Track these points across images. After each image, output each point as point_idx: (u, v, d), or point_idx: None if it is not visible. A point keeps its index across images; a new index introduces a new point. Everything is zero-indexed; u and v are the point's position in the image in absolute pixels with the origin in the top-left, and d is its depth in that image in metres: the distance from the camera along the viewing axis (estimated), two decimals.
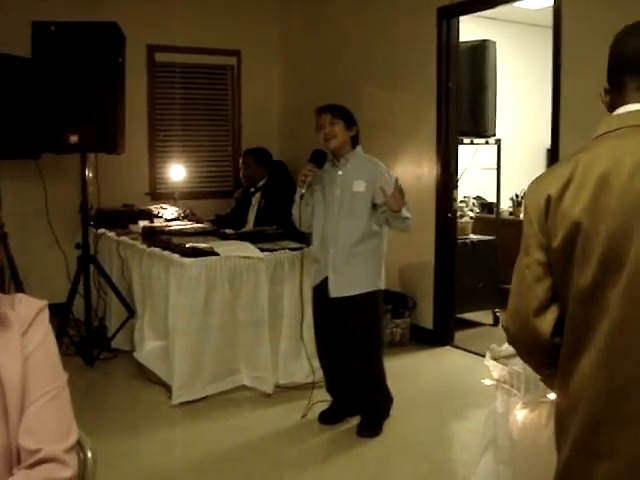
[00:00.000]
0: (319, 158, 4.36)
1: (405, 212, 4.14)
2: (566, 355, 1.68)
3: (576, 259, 1.61)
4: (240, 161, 6.79)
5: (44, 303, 1.67)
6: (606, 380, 1.57)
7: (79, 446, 1.67)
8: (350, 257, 4.27)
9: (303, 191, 4.30)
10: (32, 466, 1.50)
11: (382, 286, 4.40)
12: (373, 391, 4.44)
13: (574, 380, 1.65)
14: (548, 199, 1.67)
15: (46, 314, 1.66)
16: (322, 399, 4.62)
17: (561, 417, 1.71)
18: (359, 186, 4.22)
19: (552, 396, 2.36)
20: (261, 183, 6.56)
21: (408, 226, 4.23)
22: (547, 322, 1.73)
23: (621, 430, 1.55)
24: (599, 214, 1.57)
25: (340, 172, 4.33)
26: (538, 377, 2.42)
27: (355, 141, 4.37)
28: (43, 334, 1.63)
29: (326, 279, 4.36)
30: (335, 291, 4.33)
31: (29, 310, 1.63)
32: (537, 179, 1.79)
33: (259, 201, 6.48)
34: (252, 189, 6.59)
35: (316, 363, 4.71)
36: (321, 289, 4.41)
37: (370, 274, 4.31)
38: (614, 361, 1.56)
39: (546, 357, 1.79)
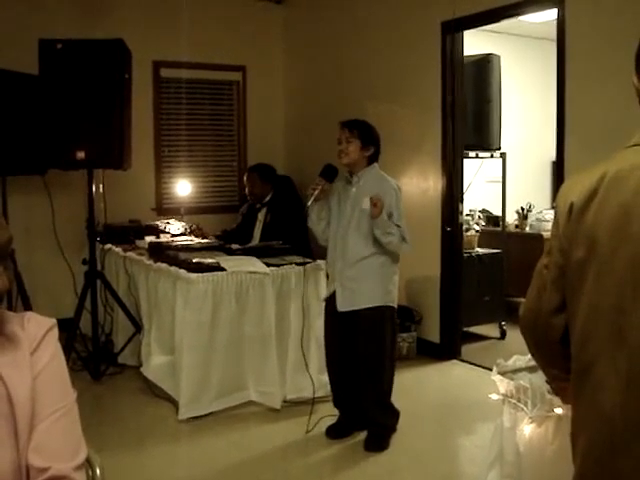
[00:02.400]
0: (329, 173, 4.37)
1: (389, 227, 4.16)
2: (575, 373, 1.68)
3: (589, 279, 1.61)
4: (245, 178, 6.76)
5: (53, 322, 1.69)
6: (613, 407, 1.57)
7: (88, 463, 1.68)
8: (356, 272, 4.30)
9: (309, 204, 4.34)
10: None
11: (392, 303, 4.40)
12: (377, 408, 4.44)
13: (580, 401, 1.65)
14: (571, 206, 1.66)
15: (55, 333, 1.67)
16: (329, 414, 4.62)
17: (572, 434, 1.71)
18: (367, 204, 4.22)
19: (559, 411, 2.37)
20: (267, 199, 6.55)
21: (390, 242, 4.22)
22: (559, 324, 1.74)
23: (626, 458, 1.55)
24: (619, 239, 1.55)
25: (354, 189, 4.36)
26: (544, 390, 2.44)
27: (372, 159, 4.38)
28: (52, 352, 1.64)
29: (335, 293, 4.39)
30: (342, 305, 4.35)
31: (38, 329, 1.64)
32: (567, 181, 1.78)
33: (265, 216, 6.48)
34: (258, 205, 6.59)
35: (324, 378, 4.72)
36: (331, 302, 4.44)
37: (377, 289, 4.31)
38: (629, 391, 1.55)
39: (553, 357, 1.79)
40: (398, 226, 4.22)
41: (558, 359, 1.77)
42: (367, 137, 4.34)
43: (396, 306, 4.47)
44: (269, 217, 6.45)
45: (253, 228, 6.52)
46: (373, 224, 4.18)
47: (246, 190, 6.73)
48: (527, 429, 2.48)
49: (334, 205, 4.44)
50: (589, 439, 1.63)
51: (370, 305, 4.30)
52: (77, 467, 1.56)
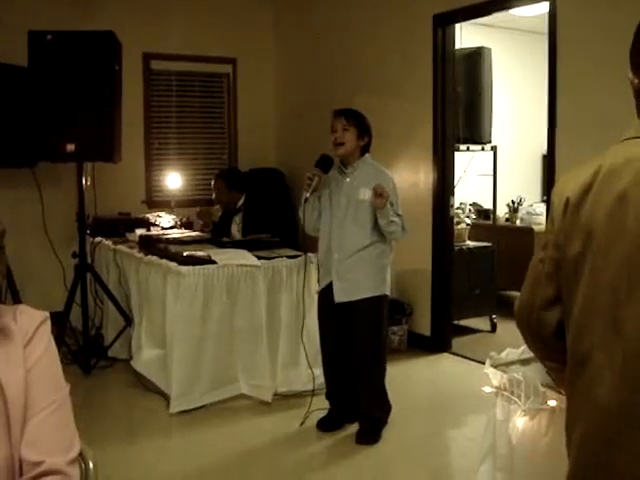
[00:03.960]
0: (325, 163, 4.35)
1: (392, 216, 4.18)
2: (571, 366, 1.68)
3: (585, 273, 1.61)
4: (212, 184, 6.58)
5: (46, 315, 1.67)
6: (608, 400, 1.56)
7: (81, 457, 1.66)
8: (354, 263, 4.29)
9: (307, 195, 4.31)
10: (35, 478, 1.50)
11: (387, 292, 4.42)
12: (372, 398, 4.44)
13: (576, 393, 1.65)
14: (567, 202, 1.66)
15: (48, 326, 1.66)
16: (321, 407, 4.62)
17: (567, 426, 1.71)
18: (364, 194, 4.23)
19: (552, 403, 2.37)
20: (240, 203, 6.42)
21: (395, 231, 4.25)
22: (552, 318, 1.74)
23: (621, 450, 1.54)
24: (615, 232, 1.55)
25: (348, 179, 4.35)
26: (537, 382, 2.44)
27: (365, 149, 4.39)
28: (45, 346, 1.62)
29: (330, 284, 4.37)
30: (339, 296, 4.34)
31: (31, 322, 1.63)
32: (564, 176, 1.77)
33: (243, 221, 6.34)
34: (231, 211, 6.45)
35: (316, 371, 4.72)
36: (326, 294, 4.43)
37: (374, 279, 4.32)
38: (623, 384, 1.55)
39: (549, 350, 1.80)
40: (399, 215, 4.24)
41: (554, 352, 1.77)
42: (362, 126, 4.35)
43: (389, 294, 4.48)
44: (246, 222, 6.29)
45: (229, 229, 6.39)
46: (378, 214, 4.18)
47: (213, 196, 6.59)
48: (520, 422, 2.47)
49: (325, 196, 4.42)
50: (584, 431, 1.63)
51: (368, 295, 4.31)
52: (71, 461, 1.55)
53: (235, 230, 6.37)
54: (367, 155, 4.40)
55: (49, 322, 1.67)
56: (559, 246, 1.70)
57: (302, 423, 4.56)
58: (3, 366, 1.54)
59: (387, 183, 4.27)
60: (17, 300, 5.65)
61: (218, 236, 6.26)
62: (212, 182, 6.61)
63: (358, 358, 4.40)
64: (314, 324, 4.66)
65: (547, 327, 1.76)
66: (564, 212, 1.67)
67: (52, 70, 5.34)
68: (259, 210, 6.31)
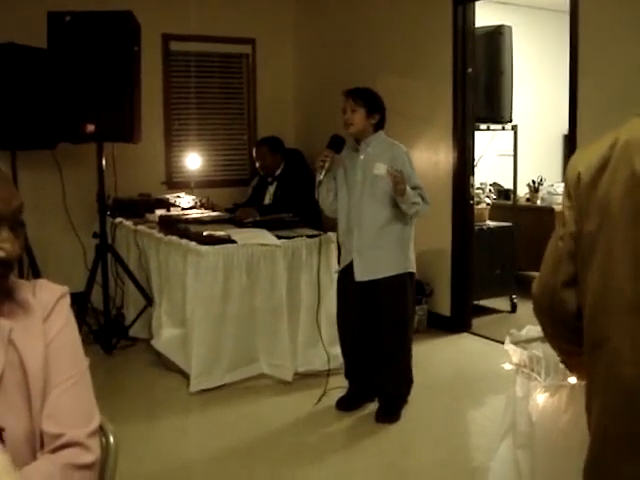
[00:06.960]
0: (337, 143, 4.34)
1: (413, 197, 4.13)
2: (588, 347, 1.66)
3: (602, 248, 1.59)
4: (254, 153, 6.70)
5: (65, 289, 1.68)
6: (630, 378, 1.55)
7: (101, 431, 1.67)
8: (375, 240, 4.27)
9: (321, 177, 4.29)
10: (55, 451, 1.51)
11: (412, 269, 4.38)
12: (396, 375, 4.43)
13: (595, 373, 1.64)
14: (579, 176, 1.64)
15: (67, 300, 1.67)
16: (339, 385, 4.63)
17: (587, 406, 1.70)
18: (379, 169, 4.19)
19: (572, 380, 2.36)
20: (278, 172, 6.52)
21: (418, 211, 4.21)
22: (574, 299, 1.72)
23: None
24: (633, 207, 1.53)
25: (362, 156, 4.31)
26: (557, 359, 2.42)
27: (379, 126, 4.35)
28: (64, 320, 1.63)
29: (351, 263, 4.36)
30: (360, 275, 4.32)
31: (50, 296, 1.63)
32: (576, 152, 1.76)
33: (275, 190, 6.45)
34: (270, 179, 6.56)
35: (334, 350, 4.73)
36: (346, 273, 4.41)
37: (396, 257, 4.29)
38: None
39: (570, 333, 1.78)
40: (417, 188, 4.20)
41: (574, 334, 1.74)
42: (372, 105, 4.30)
43: (415, 271, 4.44)
44: (279, 191, 6.41)
45: (263, 201, 6.49)
46: (399, 201, 4.13)
47: (257, 165, 6.68)
48: (540, 398, 2.47)
49: (340, 175, 4.40)
50: (604, 410, 1.61)
51: (392, 273, 4.28)
52: (91, 433, 1.56)
53: (268, 199, 6.43)
54: (380, 131, 4.36)
55: (68, 296, 1.68)
56: (576, 222, 1.68)
57: (318, 401, 4.57)
58: (23, 340, 1.55)
59: (400, 156, 4.26)
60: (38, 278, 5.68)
61: (252, 205, 6.34)
62: (253, 152, 6.73)
63: (383, 338, 4.38)
64: (333, 304, 4.66)
65: (569, 307, 1.74)
66: (577, 186, 1.65)
67: (71, 51, 5.35)
68: (290, 184, 6.36)
